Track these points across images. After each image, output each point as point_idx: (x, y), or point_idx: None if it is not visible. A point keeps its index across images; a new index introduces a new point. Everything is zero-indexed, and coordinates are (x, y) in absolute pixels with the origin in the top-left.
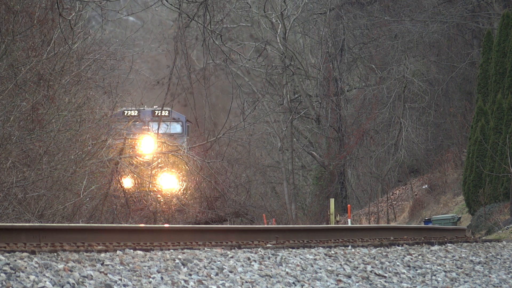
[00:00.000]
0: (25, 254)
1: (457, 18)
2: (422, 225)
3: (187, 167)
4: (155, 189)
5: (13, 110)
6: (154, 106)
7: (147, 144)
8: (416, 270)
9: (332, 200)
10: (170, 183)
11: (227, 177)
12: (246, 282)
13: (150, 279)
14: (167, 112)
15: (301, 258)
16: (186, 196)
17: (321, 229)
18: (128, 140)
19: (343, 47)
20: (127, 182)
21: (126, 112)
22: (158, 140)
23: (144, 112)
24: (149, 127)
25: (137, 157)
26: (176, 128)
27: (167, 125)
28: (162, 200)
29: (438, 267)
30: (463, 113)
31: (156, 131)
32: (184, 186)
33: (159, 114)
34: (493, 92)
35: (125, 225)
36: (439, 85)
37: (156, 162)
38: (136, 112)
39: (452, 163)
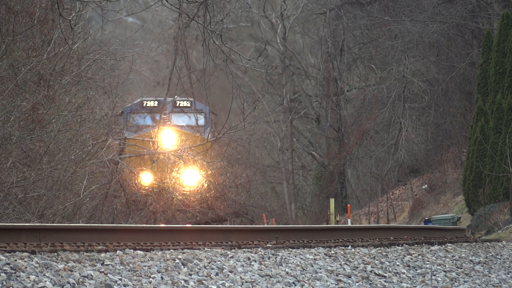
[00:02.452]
0: (25, 254)
1: (457, 18)
2: (422, 225)
3: (188, 166)
4: (177, 185)
5: (13, 110)
6: (176, 96)
7: (167, 137)
8: (416, 270)
9: (332, 200)
10: (192, 179)
11: (227, 177)
12: (246, 282)
13: (150, 279)
14: (189, 102)
15: (301, 258)
16: (208, 194)
17: (321, 229)
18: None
19: (343, 47)
20: (147, 178)
21: (145, 102)
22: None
23: (165, 103)
24: (170, 119)
25: (137, 155)
26: (199, 119)
27: (189, 117)
28: (183, 197)
29: (438, 267)
30: (463, 113)
31: (178, 123)
32: (203, 182)
33: (181, 104)
34: (493, 92)
35: (125, 225)
36: (439, 85)
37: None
38: (156, 102)
39: (452, 163)
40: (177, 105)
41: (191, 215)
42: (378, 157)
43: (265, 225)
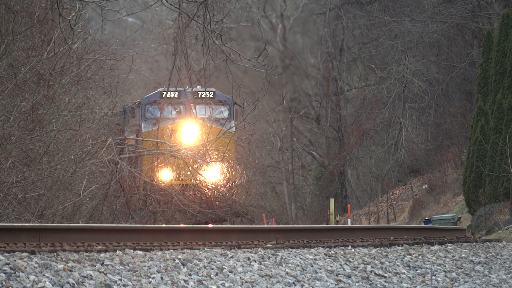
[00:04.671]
0: (25, 254)
1: (457, 18)
2: (422, 225)
3: (188, 168)
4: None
5: (13, 110)
6: (198, 87)
7: (188, 131)
8: (416, 270)
9: (332, 200)
10: (215, 174)
11: (227, 177)
12: (246, 282)
13: (150, 279)
14: (211, 93)
15: (301, 258)
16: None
17: (321, 229)
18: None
19: (342, 47)
20: (166, 175)
21: (164, 93)
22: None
23: (185, 94)
24: (192, 111)
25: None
26: (222, 112)
27: (212, 109)
28: (208, 194)
29: (438, 267)
30: (463, 113)
31: (201, 116)
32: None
33: (203, 95)
34: (493, 92)
35: (125, 225)
36: (439, 85)
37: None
38: (176, 93)
39: (452, 163)
40: (199, 95)
41: (190, 215)
42: (378, 157)
43: (265, 225)
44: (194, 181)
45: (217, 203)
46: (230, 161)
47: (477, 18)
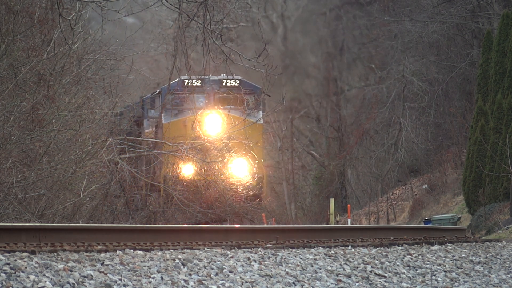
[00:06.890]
0: (25, 254)
1: (457, 18)
2: (422, 225)
3: (192, 167)
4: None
5: (13, 110)
6: (222, 74)
7: (212, 123)
8: (416, 270)
9: (332, 200)
10: (241, 170)
11: (227, 177)
12: (246, 282)
13: (150, 279)
14: (237, 81)
15: (301, 258)
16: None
17: (321, 229)
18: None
19: (342, 47)
20: (188, 170)
21: (186, 81)
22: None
23: (209, 82)
24: (215, 101)
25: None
26: (249, 102)
27: (237, 99)
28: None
29: (438, 267)
30: (463, 113)
31: (225, 106)
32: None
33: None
34: (493, 92)
35: (125, 225)
36: (439, 85)
37: (224, 145)
38: (199, 82)
39: (452, 163)
40: (224, 84)
41: (191, 215)
42: (378, 157)
43: (265, 225)
44: (189, 177)
45: (218, 203)
46: (233, 156)
47: (477, 18)
